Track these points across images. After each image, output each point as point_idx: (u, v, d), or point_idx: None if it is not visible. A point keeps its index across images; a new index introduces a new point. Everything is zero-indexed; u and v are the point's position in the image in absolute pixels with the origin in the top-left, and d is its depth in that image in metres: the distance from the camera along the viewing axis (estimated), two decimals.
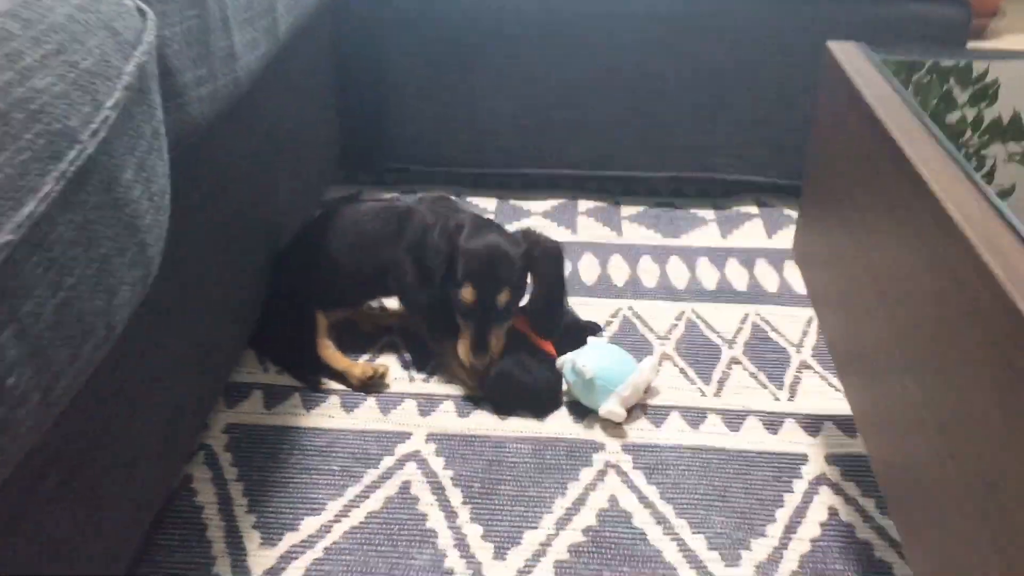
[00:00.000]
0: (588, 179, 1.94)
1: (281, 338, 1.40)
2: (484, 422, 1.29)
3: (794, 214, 1.85)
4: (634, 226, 1.82)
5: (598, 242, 1.75)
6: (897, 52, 1.14)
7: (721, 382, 1.38)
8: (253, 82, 1.07)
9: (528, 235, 1.33)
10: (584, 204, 1.89)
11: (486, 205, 1.88)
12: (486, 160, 1.90)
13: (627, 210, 1.88)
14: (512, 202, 1.90)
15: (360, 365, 1.35)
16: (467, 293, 1.28)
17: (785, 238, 1.77)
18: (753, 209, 1.87)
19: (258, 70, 1.07)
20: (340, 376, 1.36)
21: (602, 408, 1.27)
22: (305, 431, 1.26)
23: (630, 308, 1.55)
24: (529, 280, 1.34)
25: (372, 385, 1.35)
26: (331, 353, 1.38)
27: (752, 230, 1.80)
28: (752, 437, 1.27)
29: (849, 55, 1.12)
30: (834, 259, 1.09)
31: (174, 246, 1.07)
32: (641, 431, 1.28)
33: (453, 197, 1.50)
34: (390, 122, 1.88)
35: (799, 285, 1.62)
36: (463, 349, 1.31)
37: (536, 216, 1.85)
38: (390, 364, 1.40)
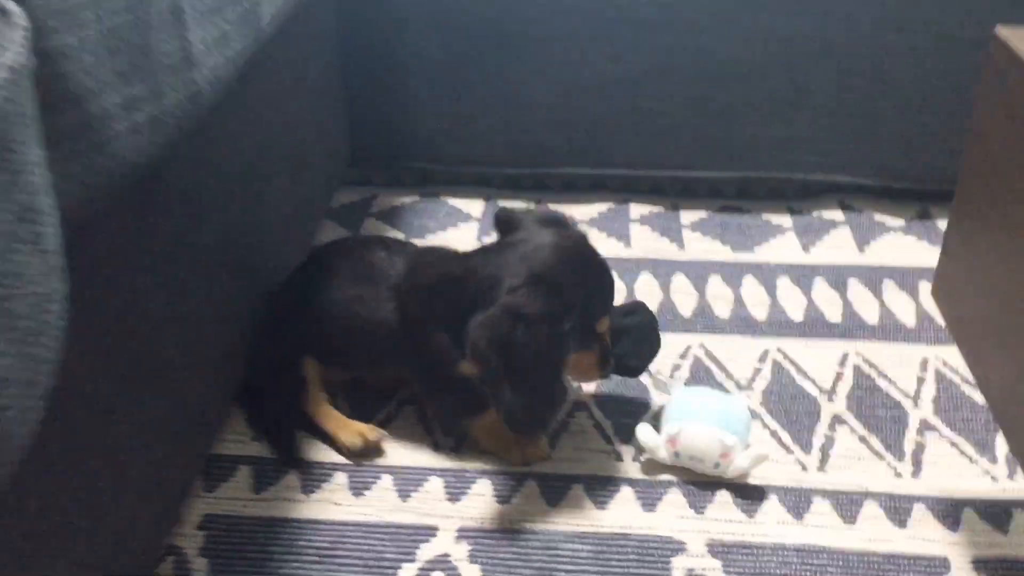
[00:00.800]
0: (640, 180, 1.65)
1: (259, 397, 1.13)
2: (529, 509, 1.02)
3: (887, 220, 1.56)
4: (697, 236, 1.53)
5: (657, 258, 1.47)
6: None
7: (824, 450, 1.10)
8: (224, 91, 0.79)
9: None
10: (637, 209, 1.61)
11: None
12: (520, 158, 1.61)
13: (688, 216, 1.59)
14: (552, 207, 1.61)
15: (352, 428, 1.09)
16: (604, 322, 1.04)
17: (879, 251, 1.47)
18: (837, 215, 1.58)
19: (231, 75, 0.79)
20: (330, 439, 1.10)
21: (640, 429, 1.06)
22: (303, 525, 1.00)
23: (701, 346, 1.27)
24: None
25: (365, 456, 1.09)
26: (324, 410, 1.11)
27: (839, 241, 1.51)
28: (874, 531, 0.99)
29: None
30: (1001, 288, 0.81)
31: (131, 296, 0.82)
32: (730, 523, 1.00)
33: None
34: (408, 115, 1.60)
35: (905, 313, 1.33)
36: (592, 368, 1.06)
37: (580, 224, 1.56)
38: (408, 425, 1.13)
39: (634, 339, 1.11)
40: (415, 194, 1.65)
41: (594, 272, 1.01)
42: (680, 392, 1.10)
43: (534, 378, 0.94)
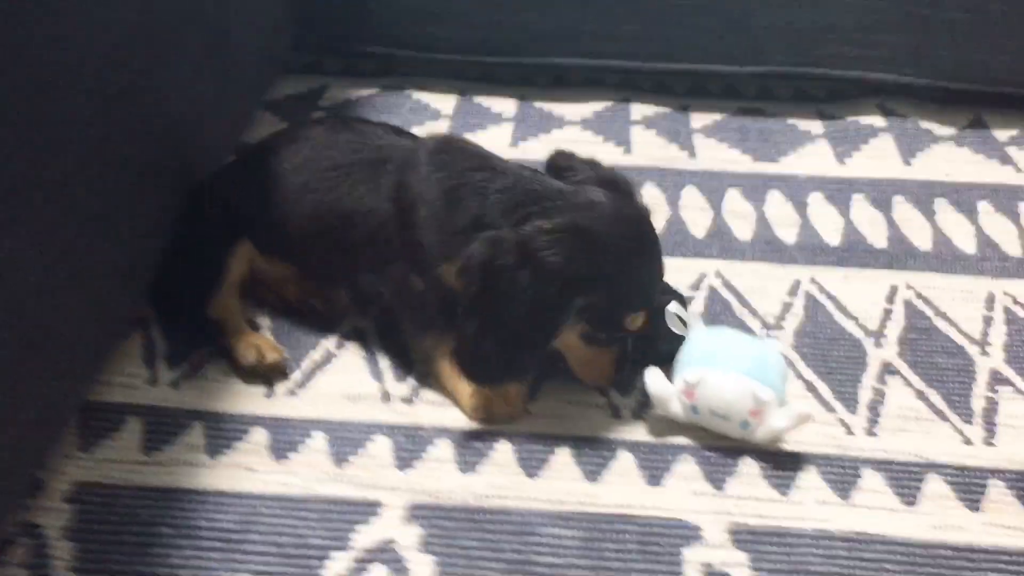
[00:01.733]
0: (643, 74, 1.39)
1: (173, 267, 0.92)
2: (501, 480, 0.79)
3: (935, 128, 1.31)
4: (711, 143, 1.28)
5: (663, 167, 1.22)
6: None
7: (873, 408, 0.88)
8: None
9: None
10: (639, 109, 1.35)
11: (501, 108, 1.34)
12: (502, 45, 1.35)
13: (699, 119, 1.33)
14: (538, 105, 1.36)
15: (248, 340, 0.89)
16: (638, 320, 0.83)
17: (928, 164, 1.23)
18: (878, 119, 1.33)
19: None
20: (227, 347, 0.89)
21: (649, 375, 0.83)
22: (205, 498, 0.77)
23: (718, 274, 1.04)
24: None
25: (260, 376, 0.88)
26: (229, 311, 0.91)
27: (880, 151, 1.26)
28: (941, 515, 0.78)
29: None
30: None
31: None
32: (759, 502, 0.78)
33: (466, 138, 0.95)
34: None
35: (963, 239, 1.10)
36: (605, 369, 0.86)
37: (572, 126, 1.31)
38: (350, 368, 0.90)
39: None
40: (374, 85, 1.38)
41: (644, 257, 0.83)
42: (699, 332, 0.86)
43: (511, 329, 0.78)
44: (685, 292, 0.99)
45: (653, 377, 0.83)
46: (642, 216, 0.85)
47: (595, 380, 0.87)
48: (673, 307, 0.86)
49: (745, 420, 0.80)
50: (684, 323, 0.86)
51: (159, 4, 0.87)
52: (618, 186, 0.86)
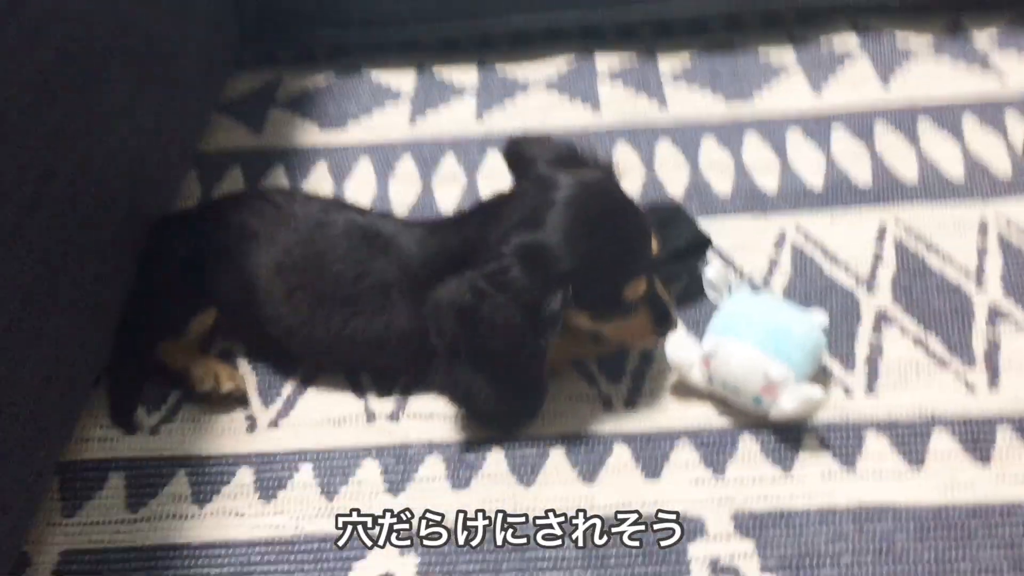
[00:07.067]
0: (605, 22, 1.32)
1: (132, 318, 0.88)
2: (495, 493, 0.77)
3: (911, 39, 1.24)
4: (682, 88, 1.22)
5: (634, 122, 1.17)
6: None
7: (872, 363, 0.85)
8: None
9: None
10: (604, 61, 1.29)
11: (463, 79, 1.29)
12: (455, 10, 1.28)
13: (667, 63, 1.27)
14: (500, 70, 1.30)
15: (208, 365, 0.86)
16: (639, 287, 0.78)
17: (908, 82, 1.17)
18: (850, 39, 1.26)
19: None
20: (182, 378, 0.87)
21: (672, 340, 0.81)
22: (195, 553, 0.75)
23: None
24: None
25: (218, 402, 0.85)
26: (186, 351, 0.88)
27: (857, 75, 1.20)
28: (950, 473, 0.76)
29: None
30: None
31: None
32: (761, 483, 0.76)
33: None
34: None
35: (950, 162, 1.05)
36: (645, 334, 0.82)
37: (537, 89, 1.25)
38: (330, 391, 0.87)
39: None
40: (329, 70, 1.32)
41: (615, 230, 0.78)
42: (735, 297, 0.84)
43: (506, 365, 0.77)
44: None
45: (676, 344, 0.81)
46: (599, 188, 0.79)
47: (641, 345, 0.86)
48: (710, 272, 0.85)
49: (757, 396, 0.77)
50: (718, 284, 0.85)
51: (82, 31, 0.82)
52: (572, 159, 0.82)
